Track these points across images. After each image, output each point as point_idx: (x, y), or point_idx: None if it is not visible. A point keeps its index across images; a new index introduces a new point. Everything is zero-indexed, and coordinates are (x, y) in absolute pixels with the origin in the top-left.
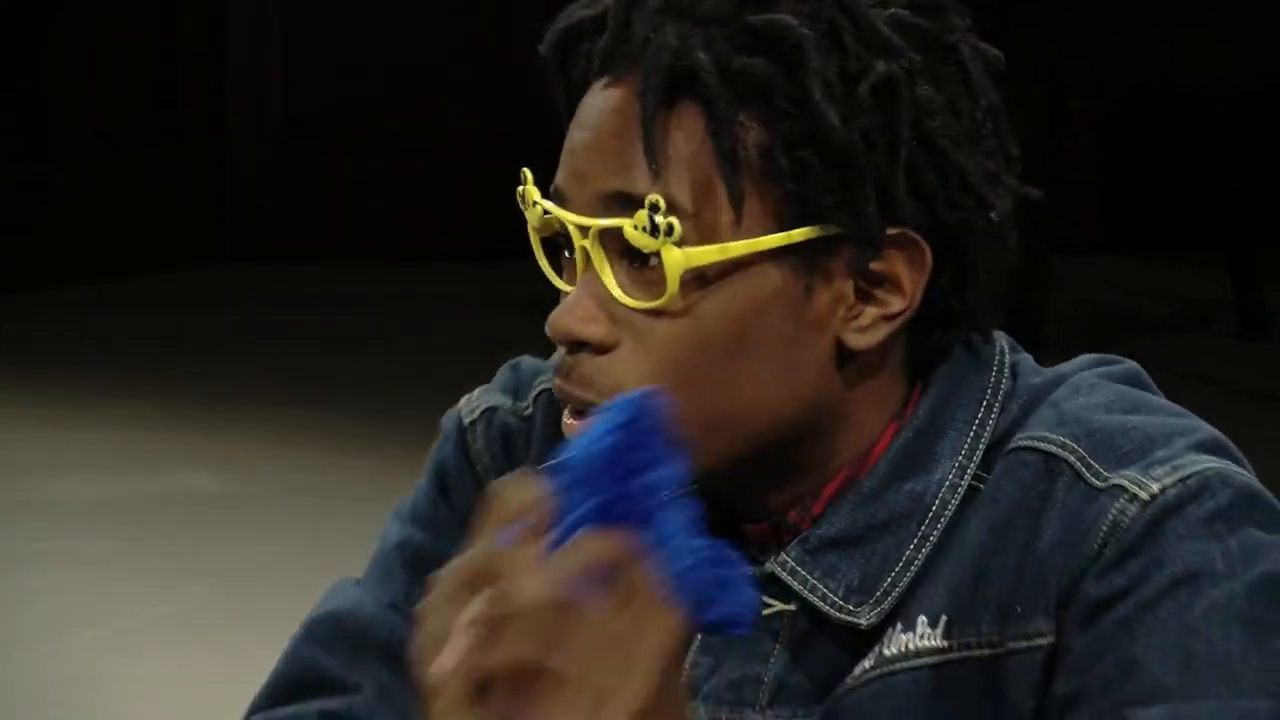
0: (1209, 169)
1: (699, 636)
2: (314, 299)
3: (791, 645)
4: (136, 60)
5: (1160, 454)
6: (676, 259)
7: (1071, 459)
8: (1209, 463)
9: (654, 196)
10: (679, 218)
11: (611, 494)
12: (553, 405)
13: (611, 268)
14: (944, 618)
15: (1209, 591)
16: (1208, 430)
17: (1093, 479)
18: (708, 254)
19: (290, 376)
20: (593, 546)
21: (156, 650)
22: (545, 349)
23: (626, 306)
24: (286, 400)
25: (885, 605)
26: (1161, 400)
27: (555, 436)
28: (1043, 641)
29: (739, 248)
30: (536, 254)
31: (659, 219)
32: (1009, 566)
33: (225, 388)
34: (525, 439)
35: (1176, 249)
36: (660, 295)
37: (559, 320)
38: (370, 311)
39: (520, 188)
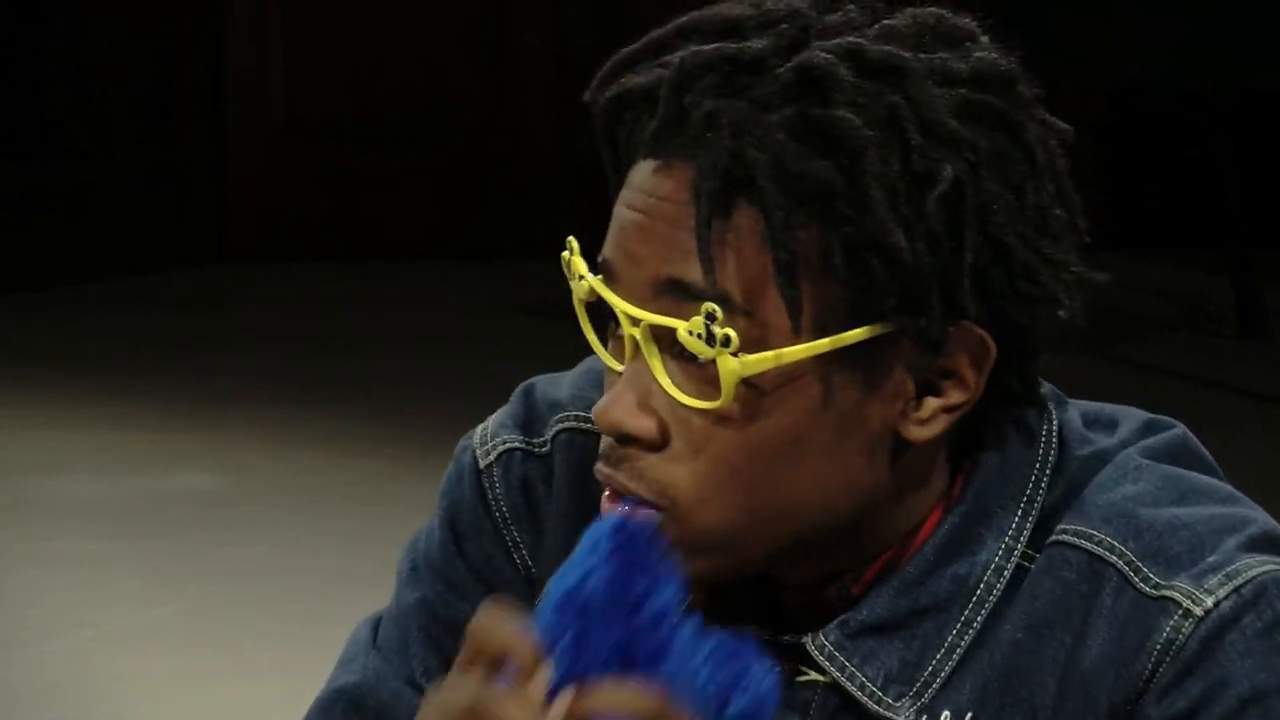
0: (1207, 169)
1: None
2: (314, 299)
3: None
4: (136, 60)
5: (1212, 559)
6: (733, 368)
7: (1119, 563)
8: (1262, 566)
9: (710, 306)
10: (734, 325)
11: (617, 633)
12: (573, 446)
13: (663, 359)
14: (969, 715)
15: (1278, 709)
16: (1258, 523)
17: (1143, 585)
18: (764, 361)
19: (290, 376)
20: (614, 697)
21: (156, 650)
22: (546, 349)
23: (678, 402)
24: (286, 400)
25: (925, 699)
26: (1210, 482)
27: (577, 479)
28: None
29: (796, 353)
30: (581, 322)
31: (716, 329)
32: (1045, 668)
33: (225, 388)
34: (545, 481)
35: (1175, 249)
36: (714, 397)
37: (609, 413)
38: (370, 311)
39: (565, 255)
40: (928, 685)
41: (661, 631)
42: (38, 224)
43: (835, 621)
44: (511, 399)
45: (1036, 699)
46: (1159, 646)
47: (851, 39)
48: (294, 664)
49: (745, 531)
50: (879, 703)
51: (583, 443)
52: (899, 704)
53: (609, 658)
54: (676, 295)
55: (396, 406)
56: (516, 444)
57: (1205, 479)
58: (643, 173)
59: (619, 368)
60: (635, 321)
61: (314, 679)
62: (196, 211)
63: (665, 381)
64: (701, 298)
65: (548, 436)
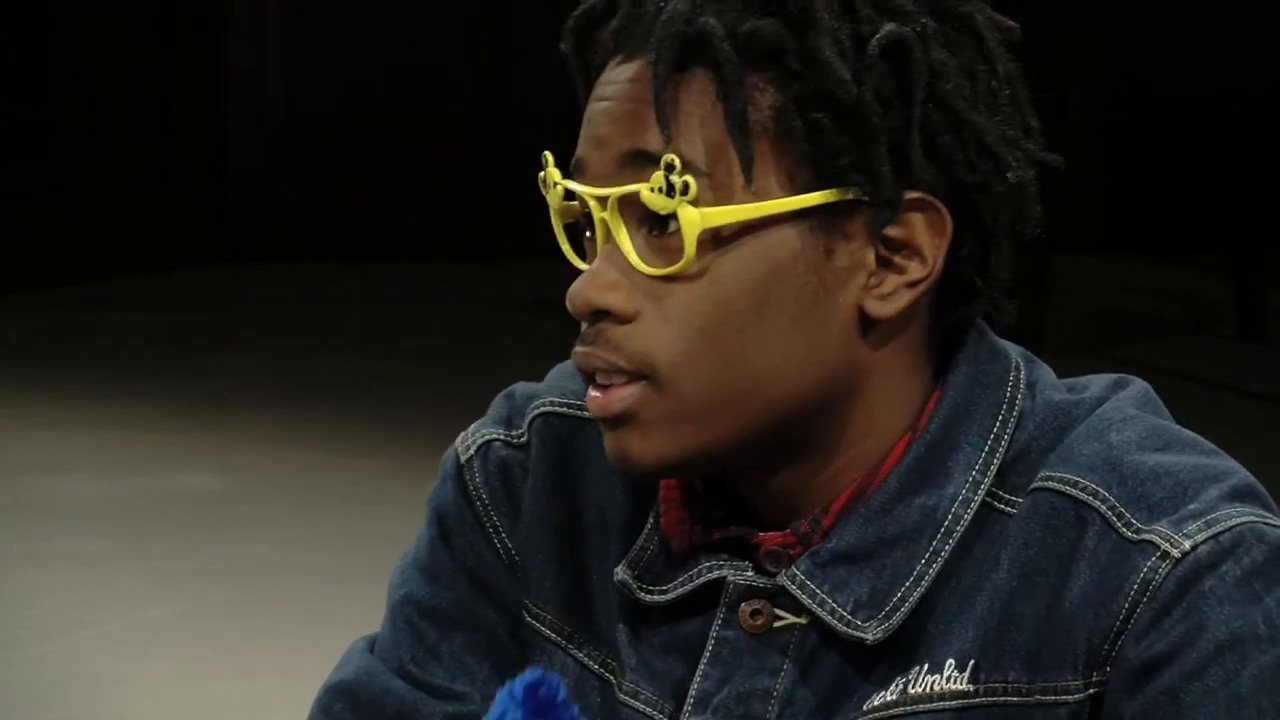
0: (1214, 171)
1: (710, 646)
2: (314, 299)
3: (801, 660)
4: (136, 60)
5: (1193, 506)
6: (693, 219)
7: (1102, 508)
8: (1242, 516)
9: (669, 156)
10: (694, 177)
11: None
12: (548, 429)
13: (630, 237)
14: (971, 661)
15: (1255, 658)
16: (1239, 474)
17: (1124, 530)
18: (724, 214)
19: (290, 376)
20: None
21: (156, 650)
22: (546, 349)
23: (646, 275)
24: (286, 400)
25: (894, 621)
26: (1192, 435)
27: (555, 457)
28: (1069, 698)
29: (754, 209)
30: (558, 236)
31: (674, 179)
32: (1036, 614)
33: (225, 388)
34: (522, 468)
35: (1178, 250)
36: (679, 261)
37: (579, 290)
38: (370, 311)
39: (541, 172)
40: (895, 610)
41: None
42: (38, 224)
43: (807, 552)
44: (493, 404)
45: (1031, 644)
46: (1135, 587)
47: None
48: (294, 664)
49: (719, 403)
50: (849, 625)
51: (558, 424)
52: (866, 624)
53: None
54: (639, 164)
55: (396, 406)
56: (496, 436)
57: (1188, 431)
58: (608, 71)
59: (587, 267)
60: (603, 203)
61: (314, 679)
62: (196, 211)
63: (630, 253)
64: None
65: (524, 426)
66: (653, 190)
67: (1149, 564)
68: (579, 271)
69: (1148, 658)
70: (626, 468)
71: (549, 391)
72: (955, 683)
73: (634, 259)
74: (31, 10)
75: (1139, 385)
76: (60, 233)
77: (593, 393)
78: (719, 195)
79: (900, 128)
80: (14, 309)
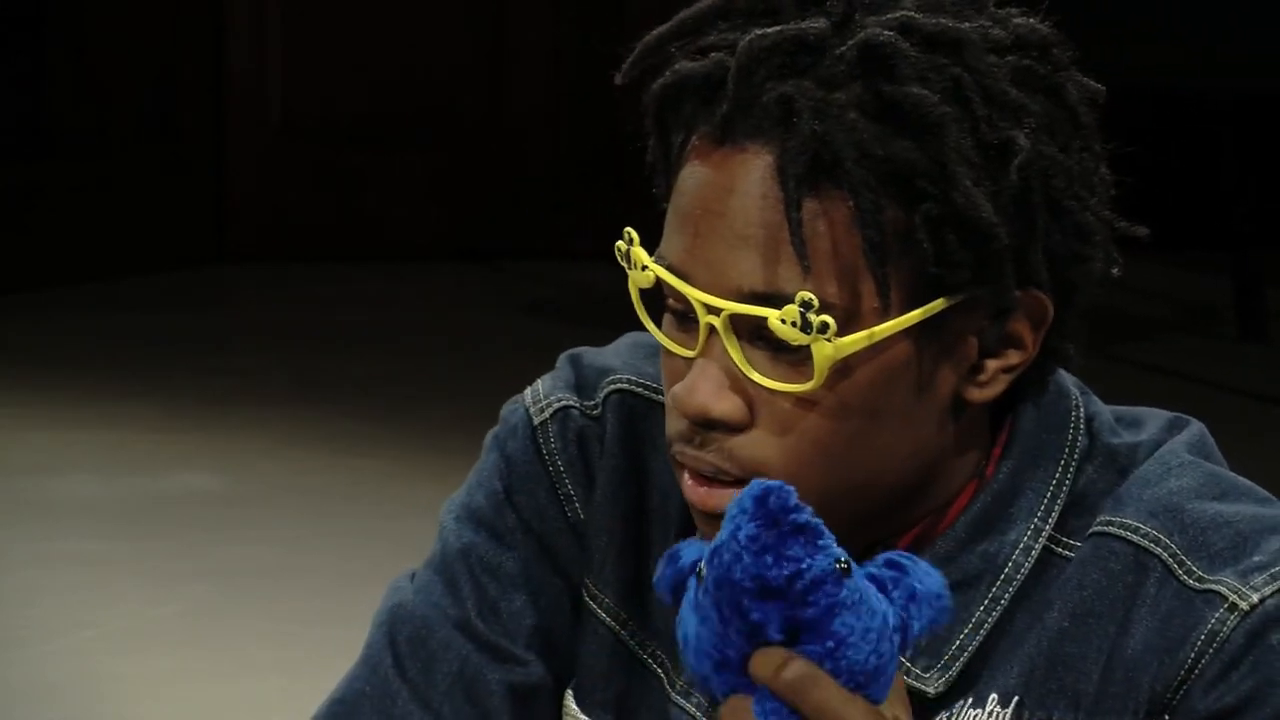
0: (1214, 171)
1: None
2: (314, 299)
3: None
4: (136, 60)
5: (1257, 558)
6: (826, 352)
7: (1164, 555)
8: None
9: (805, 294)
10: (830, 315)
11: (777, 617)
12: (623, 407)
13: (742, 346)
14: (1016, 698)
15: None
16: None
17: (1186, 578)
18: (856, 342)
19: (290, 376)
20: (766, 668)
21: (156, 650)
22: (546, 349)
23: (765, 388)
24: (286, 400)
25: (953, 671)
26: (1247, 482)
27: (628, 438)
28: None
29: (885, 330)
30: (637, 307)
31: (812, 316)
32: (1090, 657)
33: (225, 388)
34: (599, 439)
35: (1178, 251)
36: (800, 380)
37: (693, 398)
38: (370, 311)
39: (622, 245)
40: (955, 659)
41: (820, 603)
42: (38, 224)
43: None
44: (558, 365)
45: (1079, 685)
46: (1203, 638)
47: (903, 13)
48: (294, 664)
49: (828, 505)
50: (908, 674)
51: (632, 405)
52: (927, 675)
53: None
54: (765, 301)
55: (396, 406)
56: (571, 403)
57: (1242, 479)
58: (711, 160)
59: (687, 354)
60: (714, 310)
61: (314, 679)
62: (196, 211)
63: (747, 368)
64: (791, 288)
65: (599, 399)
66: (784, 322)
67: (1216, 615)
68: (581, 268)
69: (1216, 710)
70: None
71: (624, 369)
72: (997, 718)
73: (752, 374)
74: (32, 10)
75: (1195, 428)
76: (60, 233)
77: (693, 484)
78: (849, 321)
79: (1022, 236)
80: (14, 309)
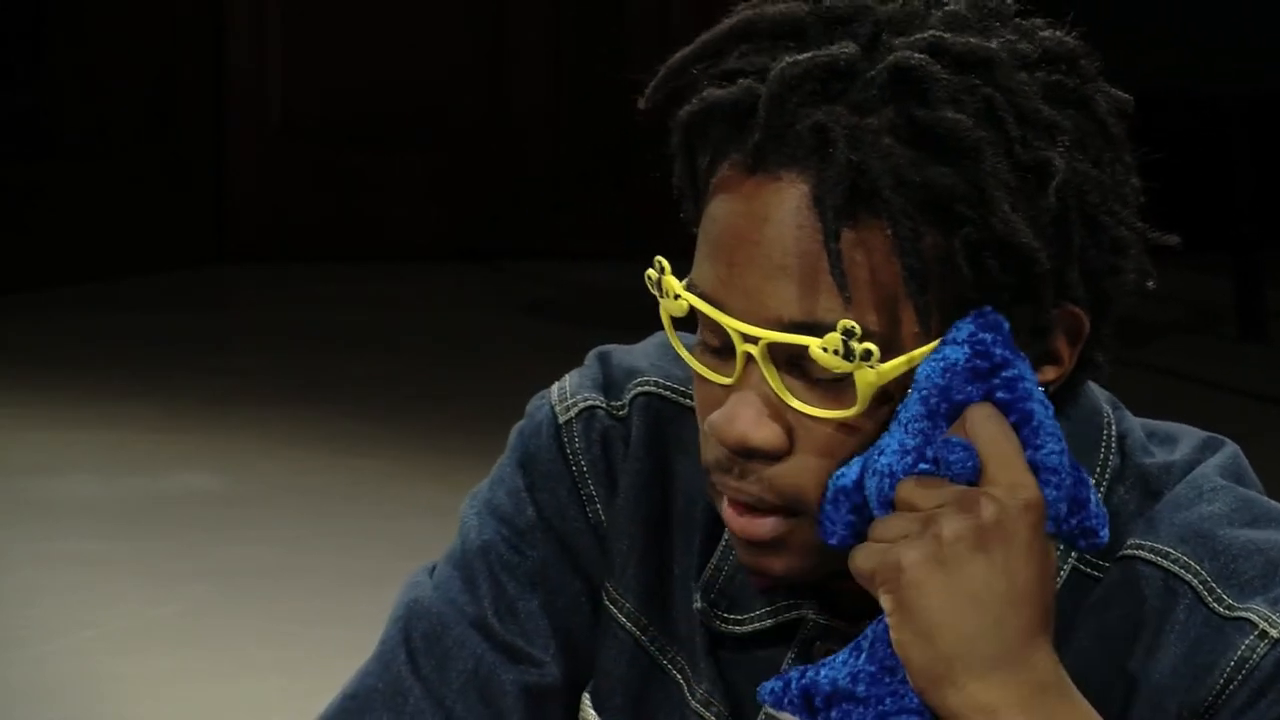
0: (1214, 171)
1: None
2: (314, 299)
3: None
4: (136, 60)
5: None
6: (869, 379)
7: (1194, 581)
8: None
9: (848, 322)
10: (870, 340)
11: (980, 393)
12: (650, 410)
13: (780, 373)
14: None
15: None
16: None
17: (1216, 605)
18: (897, 368)
19: (290, 376)
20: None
21: (156, 650)
22: (545, 349)
23: (805, 415)
24: (287, 400)
25: None
26: (1277, 509)
27: (653, 440)
28: None
29: (924, 354)
30: (670, 335)
31: (854, 345)
32: (1114, 679)
33: (225, 388)
34: (624, 442)
35: (1178, 251)
36: (840, 406)
37: (733, 428)
38: (370, 311)
39: (652, 273)
40: None
41: (1018, 391)
42: (38, 224)
43: None
44: (586, 363)
45: (1103, 708)
46: (1232, 664)
47: (932, 33)
48: (294, 664)
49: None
50: None
51: (659, 408)
52: None
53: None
54: (804, 330)
55: (396, 406)
56: (598, 403)
57: (1274, 503)
58: (744, 188)
59: (724, 381)
60: (751, 339)
61: (314, 679)
62: (196, 211)
63: (788, 396)
64: (832, 317)
65: (626, 400)
66: (826, 350)
67: (1246, 642)
68: (581, 268)
69: None
70: (762, 582)
71: (652, 370)
72: None
73: (792, 401)
74: (32, 10)
75: (1229, 450)
76: (60, 233)
77: (732, 512)
78: (889, 348)
79: (1060, 255)
80: (14, 309)
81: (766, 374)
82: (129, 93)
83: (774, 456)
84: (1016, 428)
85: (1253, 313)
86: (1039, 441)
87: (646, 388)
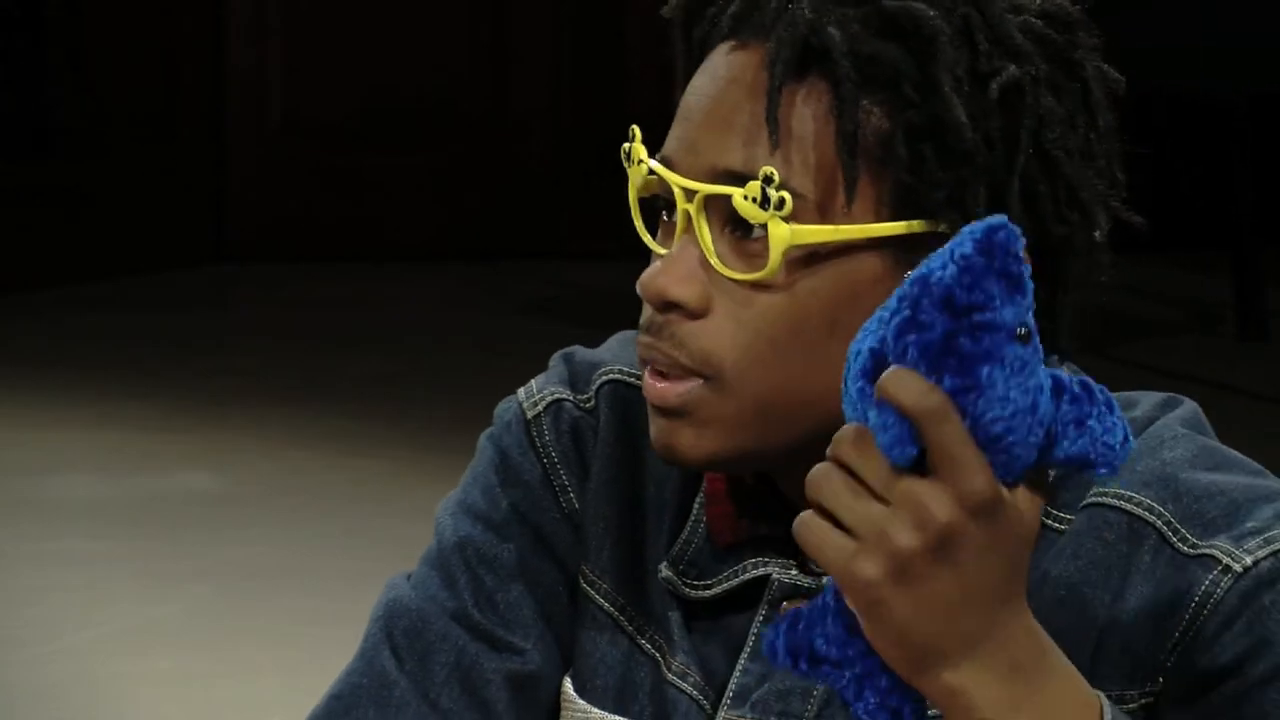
0: (1214, 171)
1: (751, 641)
2: (314, 299)
3: None
4: (136, 60)
5: (1250, 524)
6: (782, 234)
7: (1158, 523)
8: None
9: (768, 168)
10: (791, 193)
11: (941, 329)
12: (616, 397)
13: (712, 235)
14: None
15: None
16: None
17: (1180, 545)
18: (814, 233)
19: (290, 376)
20: (898, 385)
21: (156, 650)
22: (545, 349)
23: (724, 276)
24: (286, 400)
25: None
26: (1239, 456)
27: (621, 426)
28: (1121, 708)
29: (847, 231)
30: (633, 212)
31: (771, 192)
32: (1086, 626)
33: (225, 388)
34: (593, 432)
35: (1178, 251)
36: (759, 268)
37: (653, 280)
38: (370, 311)
39: (626, 144)
40: None
41: (983, 343)
42: (38, 224)
43: None
44: (551, 364)
45: (1075, 656)
46: (1196, 599)
47: None
48: (294, 664)
49: (776, 412)
50: None
51: (626, 395)
52: None
53: (928, 348)
54: (735, 182)
55: (396, 406)
56: (564, 396)
57: (1235, 452)
58: (718, 55)
59: (666, 251)
60: (690, 195)
61: (314, 679)
62: (196, 211)
63: (711, 253)
64: (759, 167)
65: (592, 392)
66: (746, 198)
67: (1210, 577)
68: (581, 268)
69: (1211, 669)
70: (671, 457)
71: (615, 360)
72: None
73: (714, 259)
74: (31, 10)
75: (1188, 406)
76: (60, 233)
77: (649, 380)
78: (811, 213)
79: (1002, 171)
80: (14, 309)
81: (697, 227)
82: (129, 93)
83: (692, 316)
84: (965, 391)
85: (1253, 313)
86: (980, 410)
87: (612, 375)
